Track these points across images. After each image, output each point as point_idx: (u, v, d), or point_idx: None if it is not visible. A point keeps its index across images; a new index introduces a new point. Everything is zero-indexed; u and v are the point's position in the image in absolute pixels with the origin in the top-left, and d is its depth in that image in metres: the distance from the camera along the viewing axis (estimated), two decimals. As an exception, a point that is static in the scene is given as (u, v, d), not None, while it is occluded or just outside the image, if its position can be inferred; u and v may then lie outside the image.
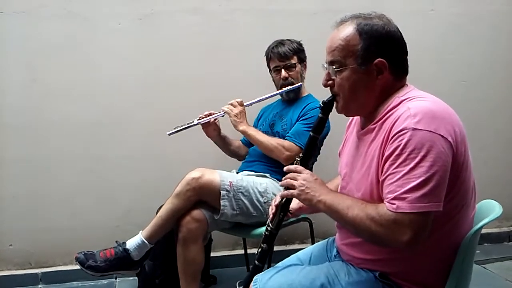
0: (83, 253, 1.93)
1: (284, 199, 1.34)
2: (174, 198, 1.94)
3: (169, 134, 2.16)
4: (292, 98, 2.30)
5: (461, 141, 1.08)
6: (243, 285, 1.35)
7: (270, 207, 1.45)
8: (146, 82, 2.62)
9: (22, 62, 2.50)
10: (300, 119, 2.18)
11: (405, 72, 1.23)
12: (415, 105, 1.09)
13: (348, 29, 1.19)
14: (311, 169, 1.82)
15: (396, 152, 1.05)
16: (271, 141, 2.14)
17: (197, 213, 1.93)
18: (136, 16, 2.58)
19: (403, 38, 1.22)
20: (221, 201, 1.95)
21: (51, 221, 2.57)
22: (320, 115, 1.30)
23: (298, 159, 1.33)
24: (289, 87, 2.22)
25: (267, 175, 2.16)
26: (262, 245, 1.37)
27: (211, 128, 2.28)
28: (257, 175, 2.16)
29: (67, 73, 2.53)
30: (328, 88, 1.26)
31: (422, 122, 1.04)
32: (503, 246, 3.02)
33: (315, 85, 1.51)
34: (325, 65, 1.24)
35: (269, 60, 2.30)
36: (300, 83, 2.25)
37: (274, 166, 2.16)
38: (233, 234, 2.24)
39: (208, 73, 2.65)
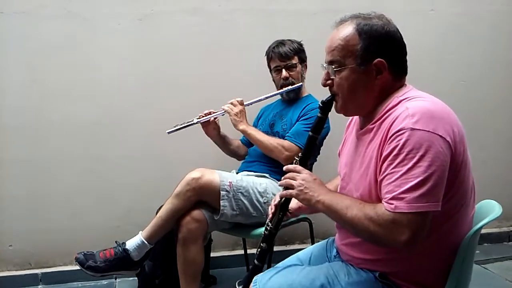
0: (83, 253, 1.93)
1: (283, 198, 1.34)
2: (174, 198, 1.94)
3: (169, 133, 2.16)
4: (292, 98, 2.30)
5: (459, 141, 1.08)
6: (242, 284, 1.35)
7: (270, 207, 1.45)
8: (146, 82, 2.62)
9: (22, 62, 2.50)
10: (300, 119, 2.18)
11: (404, 72, 1.23)
12: (413, 105, 1.09)
13: (348, 29, 1.19)
14: (310, 169, 1.83)
15: (394, 152, 1.05)
16: (271, 140, 2.14)
17: (197, 213, 1.93)
18: (136, 16, 2.58)
19: (402, 38, 1.22)
20: (221, 201, 1.95)
21: (51, 222, 2.58)
22: (319, 114, 1.30)
23: (297, 159, 1.33)
24: (290, 87, 2.22)
25: (267, 175, 2.16)
26: (261, 245, 1.37)
27: (211, 127, 2.28)
28: (256, 175, 2.16)
29: (67, 73, 2.53)
30: (327, 87, 1.26)
31: (420, 122, 1.04)
32: (503, 246, 3.02)
33: (315, 85, 1.51)
34: (325, 65, 1.24)
35: (269, 60, 2.30)
36: (301, 83, 2.25)
37: (273, 166, 2.16)
38: (233, 235, 2.24)
39: (208, 73, 2.65)
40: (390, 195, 1.04)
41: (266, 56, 2.31)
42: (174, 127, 2.17)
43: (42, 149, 2.54)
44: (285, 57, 2.22)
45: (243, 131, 2.18)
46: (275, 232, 1.37)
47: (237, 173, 2.25)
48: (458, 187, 1.11)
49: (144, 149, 2.64)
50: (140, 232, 1.98)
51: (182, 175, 1.97)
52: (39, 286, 2.55)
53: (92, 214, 2.61)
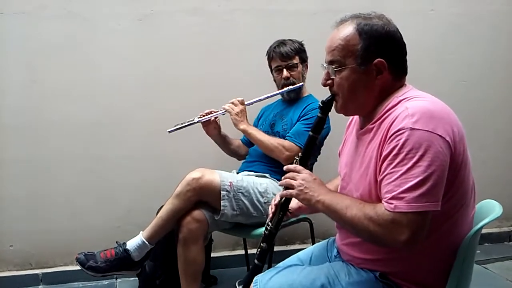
0: (83, 253, 1.93)
1: (284, 198, 1.34)
2: (175, 198, 1.94)
3: (169, 132, 2.16)
4: (293, 98, 2.30)
5: (459, 141, 1.08)
6: (243, 284, 1.35)
7: (270, 207, 1.45)
8: (146, 82, 2.62)
9: (22, 62, 2.50)
10: (301, 119, 2.18)
11: (404, 72, 1.23)
12: (413, 105, 1.09)
13: (348, 29, 1.19)
14: (310, 169, 1.83)
15: (394, 152, 1.05)
16: (272, 140, 2.13)
17: (197, 213, 1.93)
18: (136, 16, 2.58)
19: (402, 38, 1.22)
20: (221, 201, 1.95)
21: (51, 222, 2.58)
22: (319, 114, 1.30)
23: (297, 159, 1.33)
24: (291, 86, 2.22)
25: (267, 175, 2.16)
26: (261, 245, 1.37)
27: (212, 127, 2.28)
28: (257, 175, 2.16)
29: (67, 73, 2.53)
30: (328, 87, 1.26)
31: (420, 121, 1.04)
32: (504, 246, 3.02)
33: (315, 85, 1.51)
34: (325, 65, 1.25)
35: (270, 59, 2.30)
36: (302, 83, 2.25)
37: (274, 166, 2.16)
38: (233, 235, 2.24)
39: (208, 73, 2.65)
40: (389, 195, 1.04)
41: (267, 56, 2.31)
42: (175, 126, 2.17)
43: (42, 149, 2.54)
44: (286, 57, 2.22)
45: (243, 131, 2.18)
46: (275, 232, 1.37)
47: (237, 173, 2.25)
48: (458, 187, 1.11)
49: (144, 149, 2.64)
50: (141, 232, 1.98)
51: (182, 175, 1.97)
52: (40, 286, 2.55)
53: (92, 214, 2.61)
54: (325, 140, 2.21)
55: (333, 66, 1.21)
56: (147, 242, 1.95)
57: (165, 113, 2.54)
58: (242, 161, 2.38)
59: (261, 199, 2.04)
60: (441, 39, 2.91)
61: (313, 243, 2.03)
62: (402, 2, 2.82)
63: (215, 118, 2.25)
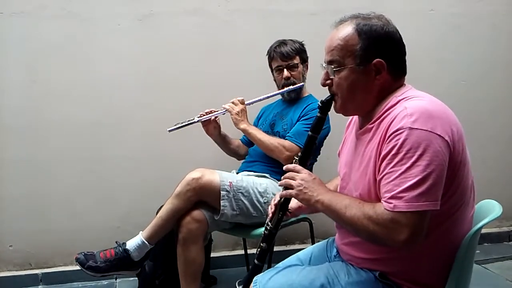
0: (83, 253, 1.93)
1: (283, 198, 1.34)
2: (174, 198, 1.94)
3: (169, 131, 2.16)
4: (293, 98, 2.30)
5: (458, 140, 1.08)
6: (242, 284, 1.35)
7: (270, 207, 1.45)
8: (146, 82, 2.62)
9: (22, 62, 2.50)
10: (301, 119, 2.18)
11: (404, 72, 1.23)
12: (411, 104, 1.09)
13: (347, 29, 1.19)
14: (310, 169, 1.83)
15: (393, 152, 1.05)
16: (272, 140, 2.13)
17: (197, 213, 1.93)
18: (136, 16, 2.58)
19: (402, 39, 1.22)
20: (221, 201, 1.95)
21: (51, 222, 2.58)
22: (318, 114, 1.30)
23: (297, 159, 1.33)
24: (291, 86, 2.22)
25: (267, 175, 2.16)
26: (261, 244, 1.37)
27: (212, 126, 2.28)
28: (257, 175, 2.16)
29: (67, 73, 2.54)
30: (327, 87, 1.26)
31: (418, 121, 1.04)
32: (503, 246, 3.02)
33: (315, 85, 1.51)
34: (324, 65, 1.25)
35: (271, 59, 2.30)
36: (302, 83, 2.25)
37: (274, 167, 2.16)
38: (233, 235, 2.24)
39: (208, 73, 2.65)
40: (389, 194, 1.04)
41: (267, 56, 2.31)
42: (175, 125, 2.17)
43: (42, 149, 2.55)
44: (287, 57, 2.22)
45: (243, 130, 2.18)
46: (275, 232, 1.37)
47: (237, 173, 2.25)
48: (457, 186, 1.11)
49: (144, 149, 2.64)
50: (141, 232, 1.98)
51: (182, 175, 1.97)
52: (39, 287, 2.56)
53: (92, 215, 2.61)
54: (325, 140, 2.21)
55: (332, 66, 1.21)
56: (146, 242, 1.95)
57: (165, 113, 2.54)
58: (242, 161, 2.39)
59: (261, 199, 2.04)
60: (441, 39, 2.91)
61: (313, 243, 2.03)
62: (402, 2, 2.82)
63: (215, 117, 2.25)
